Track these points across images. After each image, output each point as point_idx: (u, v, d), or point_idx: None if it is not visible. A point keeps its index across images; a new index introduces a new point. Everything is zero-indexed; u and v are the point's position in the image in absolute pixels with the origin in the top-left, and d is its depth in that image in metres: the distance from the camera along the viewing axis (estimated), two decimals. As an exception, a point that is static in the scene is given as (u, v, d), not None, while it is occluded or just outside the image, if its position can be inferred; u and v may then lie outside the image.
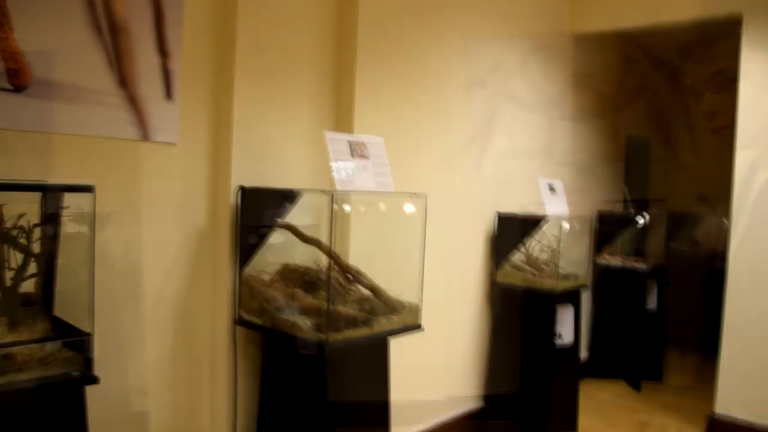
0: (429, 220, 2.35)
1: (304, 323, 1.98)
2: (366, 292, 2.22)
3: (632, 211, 5.07)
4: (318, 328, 1.95)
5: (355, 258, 2.35)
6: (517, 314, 3.60)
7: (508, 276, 3.61)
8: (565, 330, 3.60)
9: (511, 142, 3.82)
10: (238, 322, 2.28)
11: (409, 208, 2.44)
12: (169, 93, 2.12)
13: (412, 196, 2.40)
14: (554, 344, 3.49)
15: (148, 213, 2.12)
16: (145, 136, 2.07)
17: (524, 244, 3.63)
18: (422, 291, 2.30)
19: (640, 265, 4.81)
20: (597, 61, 4.98)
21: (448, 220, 3.29)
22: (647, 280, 4.84)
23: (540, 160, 4.13)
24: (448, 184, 3.28)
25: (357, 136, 2.22)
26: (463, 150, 3.40)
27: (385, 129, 2.75)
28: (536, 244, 3.66)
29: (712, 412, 3.78)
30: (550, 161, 4.23)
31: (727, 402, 3.71)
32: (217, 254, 2.31)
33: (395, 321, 2.17)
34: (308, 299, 2.05)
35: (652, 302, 4.91)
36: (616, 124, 5.40)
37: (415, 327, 2.26)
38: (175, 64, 2.13)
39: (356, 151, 2.16)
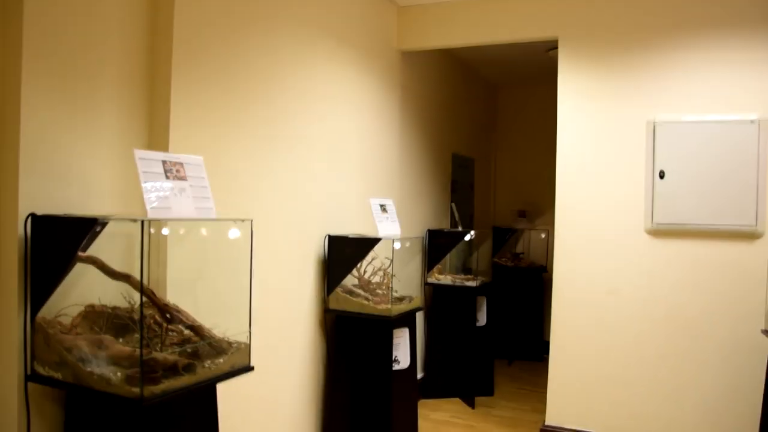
0: (257, 247, 2.27)
1: (115, 376, 1.74)
2: (188, 332, 2.01)
3: (460, 228, 5.24)
4: (132, 380, 1.72)
5: (174, 293, 2.16)
6: (352, 341, 3.55)
7: (341, 302, 3.55)
8: (401, 353, 3.60)
9: (341, 162, 3.81)
10: (31, 377, 1.96)
11: (233, 233, 2.28)
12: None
13: (236, 222, 2.26)
14: (391, 368, 3.47)
15: None
16: None
17: (357, 268, 3.59)
18: (251, 325, 2.17)
19: (470, 282, 4.94)
20: (424, 78, 5.11)
21: (277, 245, 3.20)
22: (477, 296, 5.02)
23: (370, 179, 4.14)
24: (276, 206, 3.19)
25: (173, 155, 2.02)
26: (294, 170, 3.33)
27: (207, 148, 2.63)
28: (369, 267, 3.63)
29: (544, 424, 3.93)
30: (380, 179, 4.26)
31: (558, 412, 3.89)
32: (0, 296, 1.98)
33: (223, 364, 2.00)
34: (119, 346, 1.81)
35: (482, 318, 5.08)
36: (443, 141, 5.58)
37: (246, 369, 2.10)
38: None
39: (172, 171, 1.98)
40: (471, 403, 4.79)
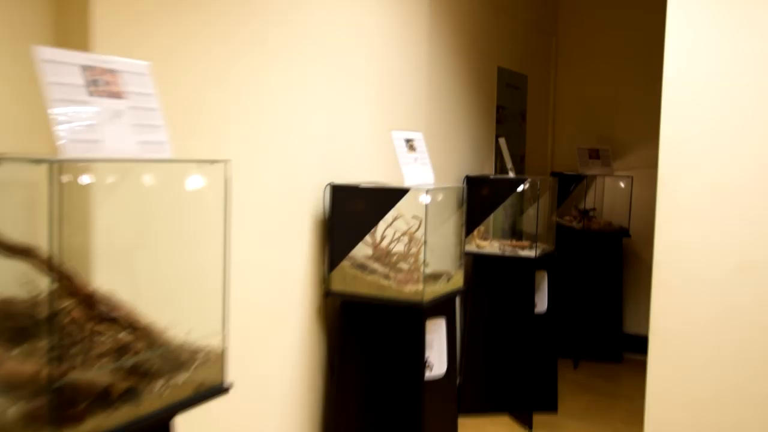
0: (231, 202, 2.26)
1: (8, 410, 1.59)
2: (127, 335, 1.90)
3: (511, 173, 5.27)
4: (36, 420, 1.58)
5: (105, 275, 2.04)
6: (365, 338, 3.58)
7: (349, 281, 3.54)
8: (436, 355, 3.65)
9: (348, 79, 3.85)
10: None
11: (197, 182, 2.21)
12: None
13: (202, 164, 2.17)
14: (422, 377, 3.48)
15: None
16: None
17: (372, 232, 3.60)
18: (225, 320, 2.12)
19: (526, 252, 4.95)
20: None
21: (258, 200, 3.23)
22: (535, 271, 5.02)
23: (388, 104, 4.22)
24: (257, 142, 3.21)
25: (100, 58, 1.89)
26: (282, 90, 3.33)
27: (153, 51, 2.57)
28: (389, 230, 3.62)
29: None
30: (402, 105, 4.35)
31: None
32: None
33: (184, 384, 1.90)
34: (14, 363, 1.67)
35: (541, 302, 5.12)
36: (485, 50, 5.66)
37: (218, 390, 2.02)
38: None
39: (99, 84, 1.86)
40: (527, 422, 4.83)
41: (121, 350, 1.88)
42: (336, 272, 3.54)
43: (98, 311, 1.90)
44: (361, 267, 3.54)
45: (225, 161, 2.12)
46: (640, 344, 6.22)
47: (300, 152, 3.47)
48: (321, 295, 3.60)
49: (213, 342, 2.07)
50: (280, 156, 3.33)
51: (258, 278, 3.21)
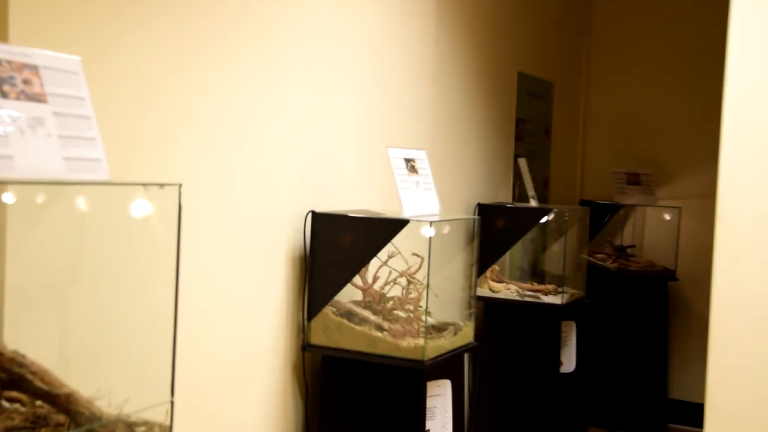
0: (184, 232, 2.18)
1: None
2: (44, 405, 1.86)
3: (533, 201, 5.29)
4: None
5: (16, 326, 2.02)
6: (354, 404, 3.60)
7: (332, 332, 3.54)
8: (438, 426, 3.64)
9: (335, 85, 3.88)
10: None
11: (142, 208, 2.19)
12: None
13: (152, 187, 2.15)
14: None
15: None
16: None
17: (362, 271, 3.58)
18: (173, 385, 2.08)
19: (550, 297, 4.93)
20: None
21: (219, 230, 3.20)
22: (560, 321, 5.02)
23: (383, 116, 4.25)
24: (219, 160, 3.19)
25: (16, 50, 1.87)
26: (252, 97, 3.34)
27: (85, 43, 2.53)
28: (383, 270, 3.60)
29: None
30: (400, 118, 4.38)
31: None
32: None
33: None
34: None
35: (569, 359, 5.14)
36: (503, 53, 5.69)
37: None
38: None
39: (14, 84, 1.83)
40: None
41: (36, 423, 1.85)
42: (317, 321, 3.52)
43: (6, 374, 1.85)
44: (348, 315, 3.52)
45: (177, 184, 2.10)
46: (688, 413, 6.23)
47: (274, 172, 3.46)
48: (298, 348, 3.58)
49: (157, 414, 2.03)
50: (248, 177, 3.32)
51: (218, 328, 3.18)
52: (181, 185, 2.10)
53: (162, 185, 2.11)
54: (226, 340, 3.23)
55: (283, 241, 3.50)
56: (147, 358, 2.13)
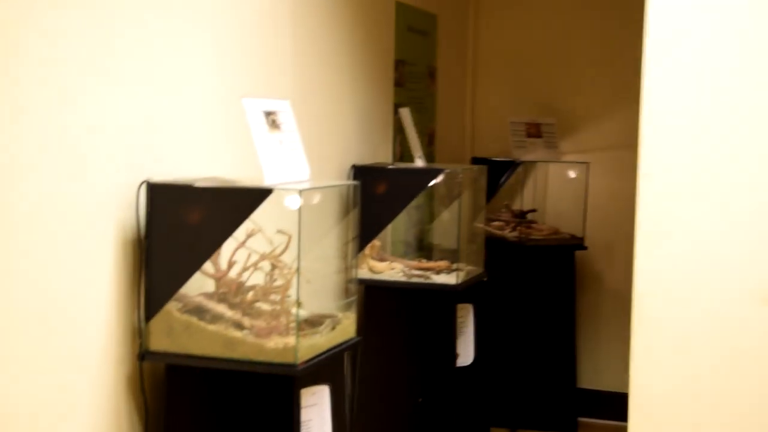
0: None
1: None
2: None
3: (418, 161, 5.37)
4: None
5: None
6: (206, 422, 3.53)
7: (179, 334, 3.40)
8: None
9: (175, 18, 3.74)
10: None
11: None
12: None
13: None
14: None
15: None
16: None
17: (214, 256, 3.49)
18: None
19: (443, 277, 4.95)
20: None
21: (14, 210, 2.96)
22: (456, 305, 5.06)
23: (235, 59, 4.21)
24: (7, 116, 2.93)
25: None
26: (63, 36, 3.10)
27: None
28: (241, 253, 3.54)
29: None
30: (256, 61, 4.38)
31: None
32: None
33: None
34: None
35: (466, 350, 5.18)
36: None
37: None
38: None
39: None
40: None
41: None
42: (158, 321, 3.35)
43: None
44: (198, 311, 3.39)
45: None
46: (601, 405, 6.27)
47: (92, 133, 3.19)
48: (133, 358, 3.38)
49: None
50: (54, 139, 3.06)
51: (18, 346, 2.94)
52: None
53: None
54: (28, 361, 2.98)
55: (109, 220, 3.26)
56: None
